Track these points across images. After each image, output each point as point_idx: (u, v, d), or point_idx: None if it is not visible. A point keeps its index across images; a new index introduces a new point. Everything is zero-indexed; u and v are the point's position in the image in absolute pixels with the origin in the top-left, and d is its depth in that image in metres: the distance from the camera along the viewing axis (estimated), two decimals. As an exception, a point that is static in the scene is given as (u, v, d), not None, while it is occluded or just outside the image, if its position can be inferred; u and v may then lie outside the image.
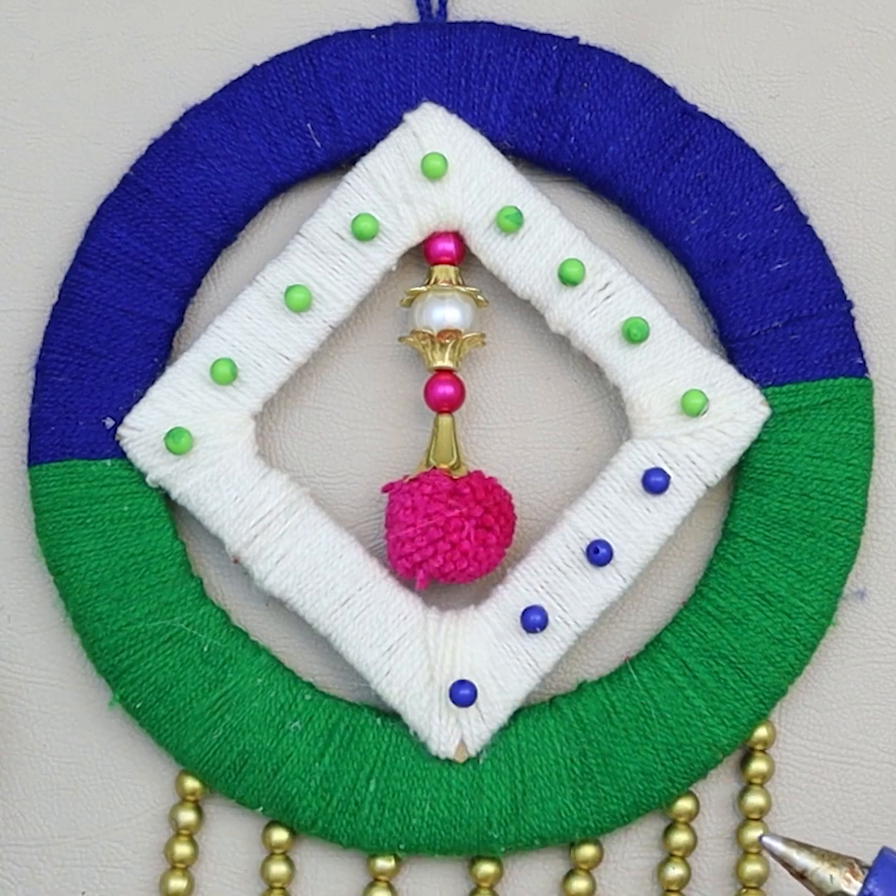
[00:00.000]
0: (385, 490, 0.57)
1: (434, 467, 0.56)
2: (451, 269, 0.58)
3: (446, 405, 0.57)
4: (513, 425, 0.59)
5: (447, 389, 0.57)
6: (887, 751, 0.58)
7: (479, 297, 0.58)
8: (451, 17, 0.60)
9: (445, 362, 0.57)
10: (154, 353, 0.57)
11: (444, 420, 0.57)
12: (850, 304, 0.57)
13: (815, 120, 0.60)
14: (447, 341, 0.57)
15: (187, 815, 0.57)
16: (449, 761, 0.56)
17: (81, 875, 0.58)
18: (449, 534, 0.55)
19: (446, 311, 0.57)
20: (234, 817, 0.58)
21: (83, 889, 0.58)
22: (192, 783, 0.57)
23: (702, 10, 0.60)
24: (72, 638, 0.58)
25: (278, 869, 0.57)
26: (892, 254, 0.59)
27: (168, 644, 0.56)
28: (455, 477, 0.56)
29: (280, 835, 0.57)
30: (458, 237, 0.58)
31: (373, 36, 0.58)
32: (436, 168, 0.56)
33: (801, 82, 0.60)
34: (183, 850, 0.57)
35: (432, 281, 0.57)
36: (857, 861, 0.50)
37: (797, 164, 0.59)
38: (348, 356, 0.59)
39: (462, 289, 0.57)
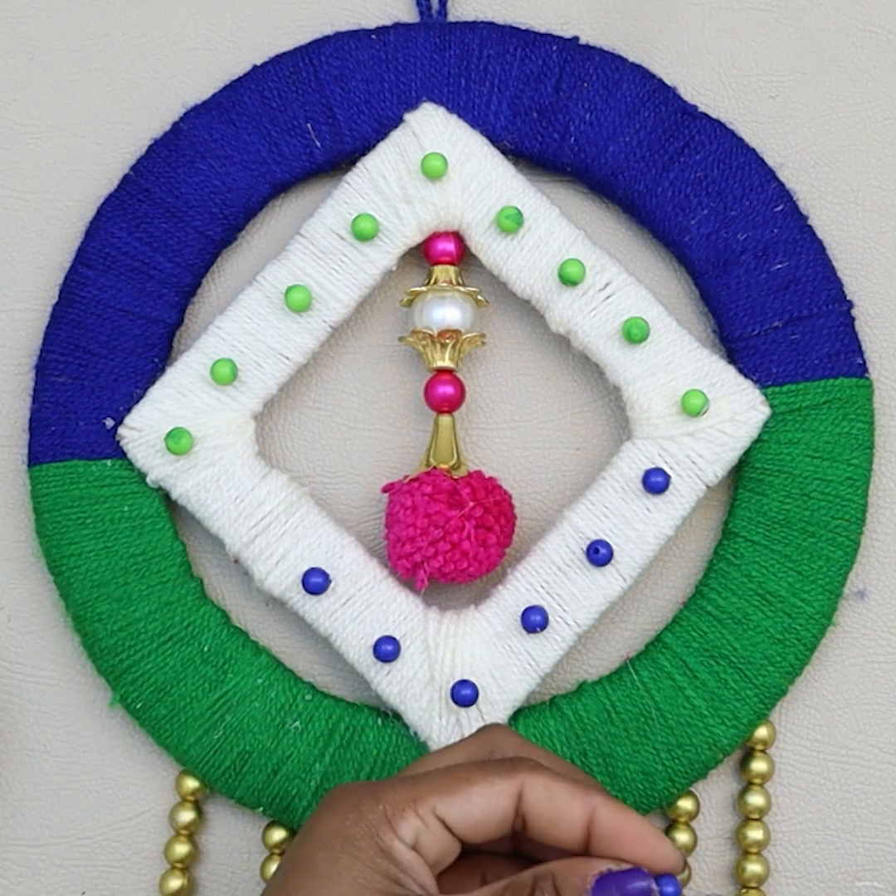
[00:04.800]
0: (385, 490, 0.57)
1: (434, 467, 0.56)
2: (451, 269, 0.58)
3: (446, 405, 0.57)
4: (513, 425, 0.59)
5: (447, 389, 0.57)
6: (887, 751, 0.58)
7: (479, 297, 0.58)
8: (451, 17, 0.60)
9: (445, 362, 0.57)
10: (154, 354, 0.57)
11: (444, 420, 0.57)
12: (850, 304, 0.57)
13: (815, 120, 0.60)
14: (447, 341, 0.57)
15: (187, 815, 0.57)
16: (449, 761, 0.56)
17: (81, 875, 0.58)
18: (449, 534, 0.55)
19: (446, 311, 0.57)
20: (234, 817, 0.58)
21: (83, 889, 0.58)
22: (192, 783, 0.57)
23: (702, 10, 0.60)
24: (72, 638, 0.58)
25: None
26: (892, 254, 0.59)
27: (168, 644, 0.56)
28: (455, 477, 0.56)
29: (280, 835, 0.57)
30: (458, 237, 0.58)
31: (373, 36, 0.58)
32: (436, 168, 0.56)
33: (801, 82, 0.60)
34: (183, 849, 0.57)
35: (432, 281, 0.57)
36: None
37: (797, 164, 0.59)
38: (348, 356, 0.59)
39: (462, 289, 0.57)
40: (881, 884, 0.57)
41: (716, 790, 0.58)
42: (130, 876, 0.58)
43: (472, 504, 0.55)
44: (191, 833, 0.57)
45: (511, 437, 0.59)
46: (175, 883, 0.57)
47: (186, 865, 0.57)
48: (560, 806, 0.45)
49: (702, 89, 0.60)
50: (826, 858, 0.57)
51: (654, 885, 0.44)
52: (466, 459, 0.58)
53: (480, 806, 0.45)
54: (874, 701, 0.58)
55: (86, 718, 0.58)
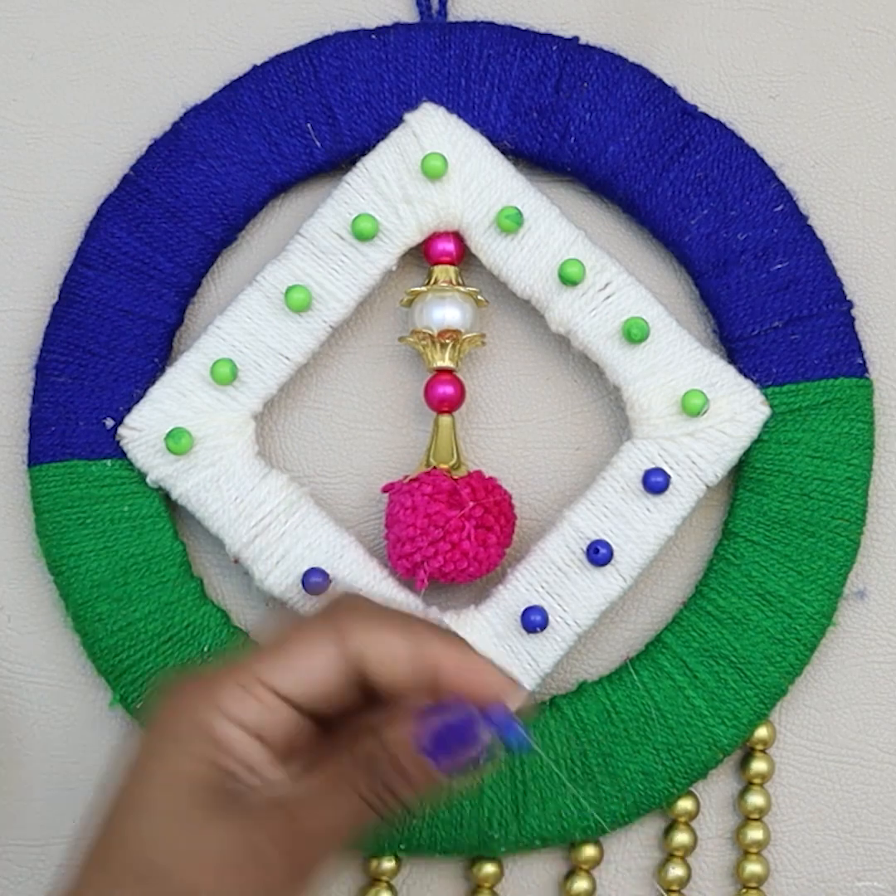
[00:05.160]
0: (385, 490, 0.57)
1: (434, 467, 0.56)
2: (451, 269, 0.57)
3: (446, 405, 0.57)
4: (513, 425, 0.59)
5: (447, 389, 0.57)
6: (887, 751, 0.58)
7: (479, 298, 0.58)
8: (451, 18, 0.60)
9: (445, 362, 0.57)
10: (154, 354, 0.57)
11: (444, 420, 0.57)
12: (850, 304, 0.57)
13: (815, 120, 0.60)
14: (447, 341, 0.57)
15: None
16: (449, 761, 0.56)
17: (81, 875, 0.58)
18: (449, 534, 0.55)
19: (446, 311, 0.57)
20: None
21: (83, 889, 0.58)
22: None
23: (702, 10, 0.60)
24: (72, 638, 0.58)
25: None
26: (892, 254, 0.59)
27: (168, 644, 0.56)
28: (455, 477, 0.56)
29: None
30: (458, 237, 0.58)
31: (373, 36, 0.58)
32: (436, 168, 0.56)
33: (801, 82, 0.60)
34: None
35: (432, 281, 0.57)
36: None
37: (797, 164, 0.59)
38: (348, 356, 0.59)
39: (462, 289, 0.57)
40: (881, 884, 0.57)
41: (716, 790, 0.58)
42: (130, 876, 0.58)
43: (472, 504, 0.55)
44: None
45: (511, 437, 0.59)
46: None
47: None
48: (385, 646, 0.42)
49: (702, 89, 0.60)
50: (826, 858, 0.57)
51: (476, 715, 0.41)
52: (466, 459, 0.58)
53: (303, 662, 0.41)
54: (874, 701, 0.58)
55: (86, 718, 0.58)
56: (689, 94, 0.59)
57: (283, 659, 0.41)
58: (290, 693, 0.41)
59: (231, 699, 0.40)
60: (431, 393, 0.57)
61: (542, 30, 0.59)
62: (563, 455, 0.59)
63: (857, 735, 0.58)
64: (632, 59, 0.58)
